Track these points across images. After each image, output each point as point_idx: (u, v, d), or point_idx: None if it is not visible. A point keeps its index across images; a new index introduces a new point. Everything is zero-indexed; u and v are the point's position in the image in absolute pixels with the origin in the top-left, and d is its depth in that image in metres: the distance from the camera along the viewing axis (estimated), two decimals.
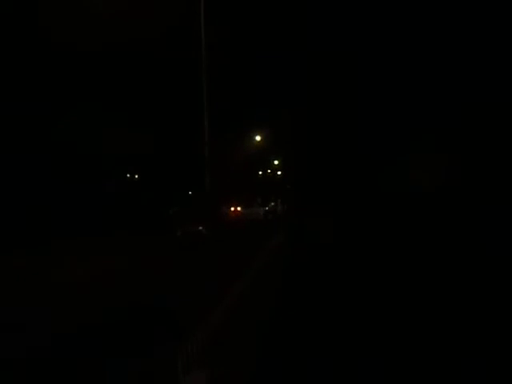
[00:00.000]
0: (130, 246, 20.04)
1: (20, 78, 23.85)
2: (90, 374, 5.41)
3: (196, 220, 21.46)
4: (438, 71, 22.69)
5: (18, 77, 23.71)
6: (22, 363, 5.86)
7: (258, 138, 44.01)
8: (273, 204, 50.14)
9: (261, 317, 6.68)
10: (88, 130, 25.18)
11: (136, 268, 13.73)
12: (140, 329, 6.92)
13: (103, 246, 20.66)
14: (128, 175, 37.16)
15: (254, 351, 5.63)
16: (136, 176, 37.79)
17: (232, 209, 41.04)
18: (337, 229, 19.96)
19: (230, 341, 4.45)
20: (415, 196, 22.04)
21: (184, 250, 18.68)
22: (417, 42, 22.96)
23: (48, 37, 23.34)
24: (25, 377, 5.57)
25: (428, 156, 21.35)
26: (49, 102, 24.89)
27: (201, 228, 20.68)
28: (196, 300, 7.57)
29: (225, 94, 27.53)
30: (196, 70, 17.67)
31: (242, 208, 41.47)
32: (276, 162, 54.04)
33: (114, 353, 5.83)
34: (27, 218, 23.11)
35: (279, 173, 54.61)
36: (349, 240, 17.67)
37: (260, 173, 54.78)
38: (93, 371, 5.45)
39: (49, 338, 6.78)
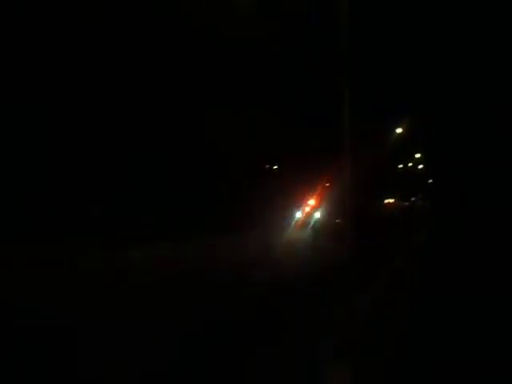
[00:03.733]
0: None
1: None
2: None
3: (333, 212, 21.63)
4: None
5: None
6: None
7: (399, 130, 42.43)
8: (413, 199, 48.37)
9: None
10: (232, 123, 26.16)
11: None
12: None
13: None
14: (267, 166, 38.06)
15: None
16: (274, 167, 38.53)
17: (387, 201, 46.02)
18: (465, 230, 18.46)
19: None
20: None
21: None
22: None
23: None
24: None
25: None
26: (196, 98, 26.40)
27: (338, 220, 20.71)
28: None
29: (366, 85, 26.96)
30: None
31: (395, 201, 46.65)
32: (418, 155, 51.64)
33: None
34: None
35: (420, 166, 52.12)
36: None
37: (401, 166, 52.79)
38: None
39: None
